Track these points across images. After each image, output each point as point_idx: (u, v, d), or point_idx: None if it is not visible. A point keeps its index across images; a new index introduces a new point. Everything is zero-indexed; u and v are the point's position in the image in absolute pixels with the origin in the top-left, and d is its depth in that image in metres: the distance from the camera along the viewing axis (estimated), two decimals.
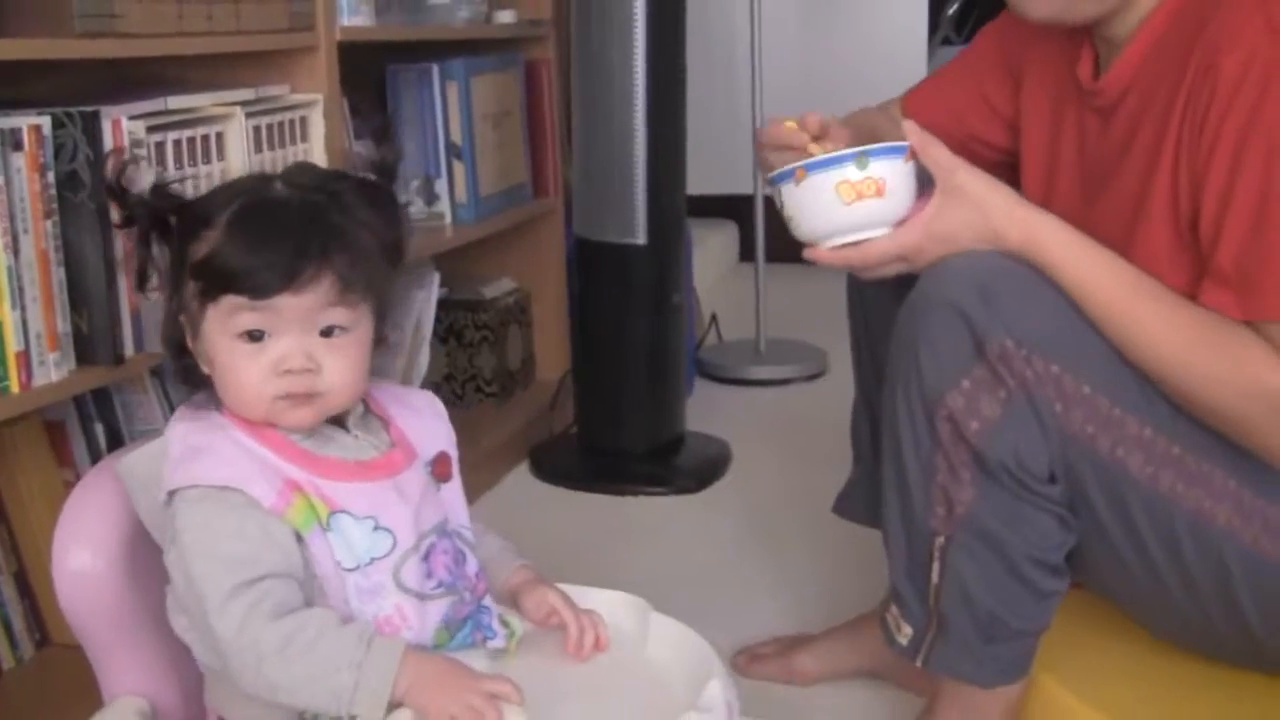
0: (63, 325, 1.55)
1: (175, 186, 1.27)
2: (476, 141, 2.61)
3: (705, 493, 2.52)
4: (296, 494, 1.19)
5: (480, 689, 1.15)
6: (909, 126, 1.33)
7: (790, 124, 1.43)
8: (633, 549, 2.23)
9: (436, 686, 1.15)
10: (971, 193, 1.33)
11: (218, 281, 1.18)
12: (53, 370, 1.54)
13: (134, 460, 1.26)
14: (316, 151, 2.00)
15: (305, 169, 1.32)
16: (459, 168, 2.58)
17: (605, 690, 1.29)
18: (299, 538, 1.18)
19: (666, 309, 2.56)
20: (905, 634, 1.40)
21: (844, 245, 1.34)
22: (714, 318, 3.42)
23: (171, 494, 1.19)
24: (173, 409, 1.81)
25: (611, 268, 2.53)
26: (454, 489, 1.33)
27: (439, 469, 1.32)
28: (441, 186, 2.58)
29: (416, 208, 2.56)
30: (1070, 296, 1.31)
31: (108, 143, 1.57)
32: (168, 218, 1.24)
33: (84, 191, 1.55)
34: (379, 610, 1.20)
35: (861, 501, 1.78)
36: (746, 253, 4.14)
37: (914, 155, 1.33)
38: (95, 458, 1.74)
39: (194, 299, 1.20)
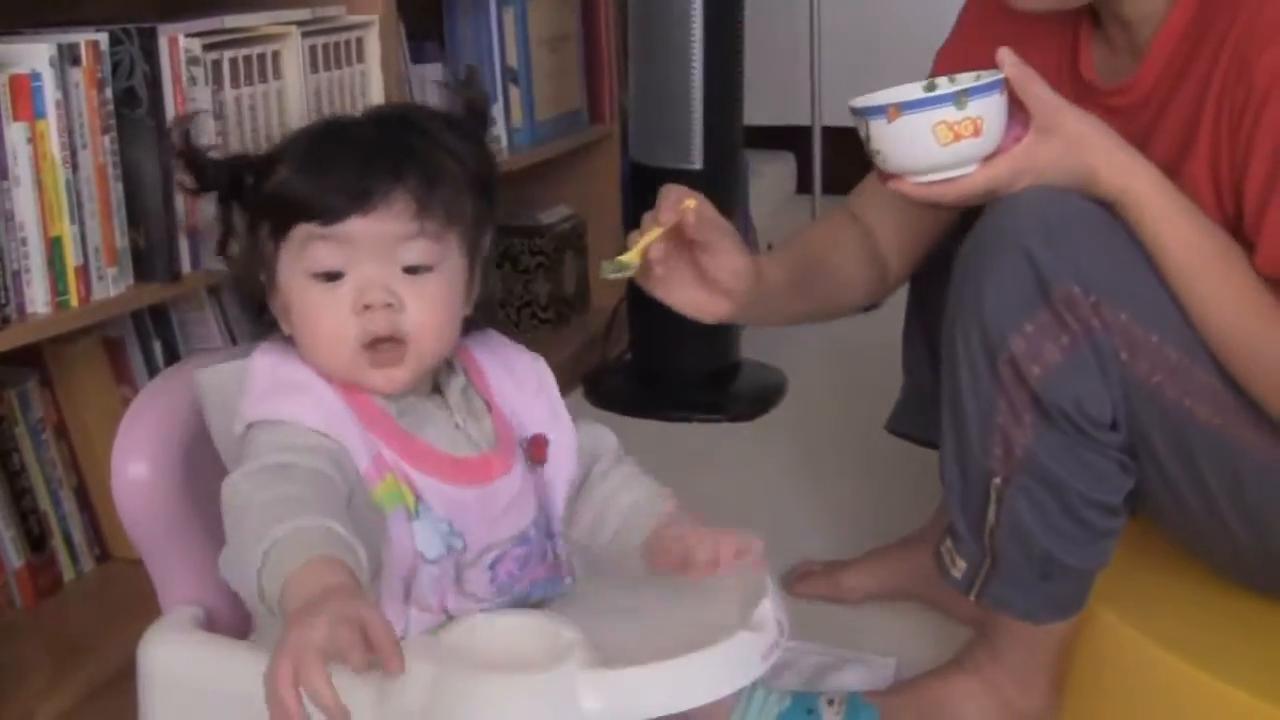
0: (120, 240, 1.56)
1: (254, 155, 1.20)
2: (533, 66, 2.60)
3: (760, 420, 2.52)
4: (388, 472, 1.13)
5: (347, 616, 0.91)
6: (1006, 57, 1.27)
7: (690, 203, 1.29)
8: (686, 475, 2.21)
9: (299, 619, 0.93)
10: (1072, 132, 1.28)
11: (285, 211, 1.12)
12: (111, 285, 1.55)
13: (214, 376, 1.22)
14: (373, 73, 1.99)
15: (387, 105, 1.27)
16: (515, 92, 2.57)
17: (656, 609, 1.29)
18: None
19: None
20: (959, 568, 1.39)
21: (932, 181, 1.30)
22: (770, 247, 3.39)
23: (249, 426, 1.13)
24: (230, 329, 1.84)
25: None
26: (556, 468, 1.25)
27: (534, 451, 1.24)
28: (497, 111, 2.56)
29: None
30: (1149, 248, 1.28)
31: (164, 60, 1.57)
32: (244, 177, 1.18)
33: (141, 108, 1.55)
34: (445, 602, 1.17)
35: (912, 417, 1.77)
36: (803, 184, 4.11)
37: (1008, 87, 1.28)
38: (153, 375, 1.75)
39: (267, 242, 1.14)
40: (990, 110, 1.26)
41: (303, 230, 1.12)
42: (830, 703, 1.37)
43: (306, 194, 1.11)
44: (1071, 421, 1.28)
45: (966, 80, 1.28)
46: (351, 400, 1.14)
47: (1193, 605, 1.43)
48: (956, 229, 1.54)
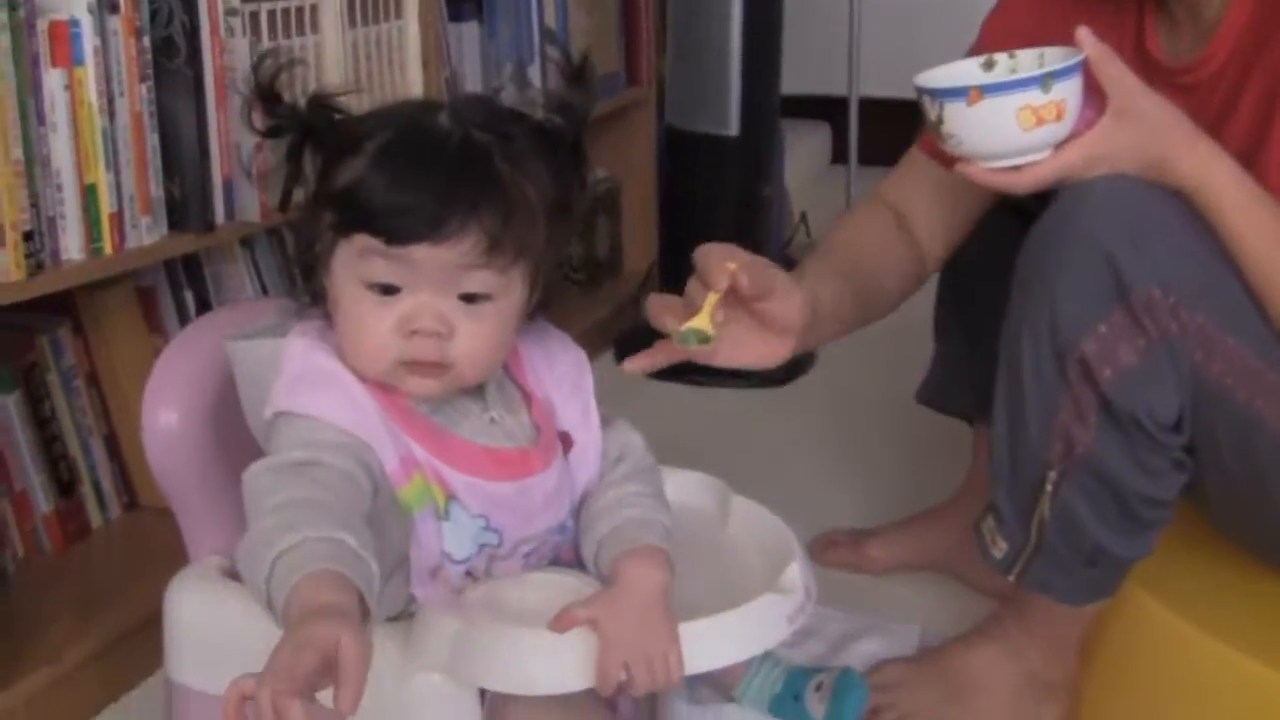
0: (155, 190, 1.56)
1: (339, 100, 1.15)
2: (570, 27, 2.59)
3: (790, 386, 2.51)
4: (416, 472, 1.11)
5: (312, 648, 0.88)
6: (1086, 36, 1.22)
7: (731, 266, 1.23)
8: (714, 439, 2.23)
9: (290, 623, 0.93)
10: (1151, 119, 1.24)
11: (352, 216, 1.08)
12: (144, 234, 1.55)
13: (247, 351, 1.21)
14: (410, 29, 1.99)
15: (480, 103, 1.21)
16: (552, 54, 2.55)
17: (684, 569, 1.29)
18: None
19: (756, 202, 2.53)
20: (1000, 548, 1.37)
21: (1005, 168, 1.24)
22: (803, 216, 3.38)
23: (278, 414, 1.11)
24: (263, 281, 1.84)
25: (702, 159, 2.50)
26: (578, 466, 1.23)
27: (565, 441, 1.23)
28: (534, 72, 2.56)
29: (508, 93, 2.54)
30: (1225, 242, 1.24)
31: (203, 10, 1.57)
32: (320, 132, 1.13)
33: (179, 58, 1.55)
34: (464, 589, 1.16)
35: (942, 388, 1.76)
36: (839, 155, 4.09)
37: (1088, 68, 1.23)
38: (185, 325, 1.75)
39: (327, 229, 1.10)
40: (1072, 93, 1.21)
41: (366, 240, 1.07)
42: (818, 687, 1.34)
43: (376, 209, 1.06)
44: (1139, 426, 1.25)
45: (1052, 60, 1.23)
46: (383, 397, 1.12)
47: (1228, 586, 1.41)
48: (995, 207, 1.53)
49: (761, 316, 1.28)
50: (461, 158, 1.09)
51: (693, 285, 1.26)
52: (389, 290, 1.09)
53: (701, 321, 1.23)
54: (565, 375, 1.24)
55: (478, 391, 1.18)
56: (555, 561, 1.22)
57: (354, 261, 1.09)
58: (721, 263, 1.23)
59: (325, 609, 0.91)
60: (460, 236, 1.07)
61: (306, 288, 1.16)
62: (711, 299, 1.23)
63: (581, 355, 1.27)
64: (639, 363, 1.28)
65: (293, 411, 1.09)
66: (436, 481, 1.12)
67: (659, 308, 1.29)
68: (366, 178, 1.08)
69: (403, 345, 1.09)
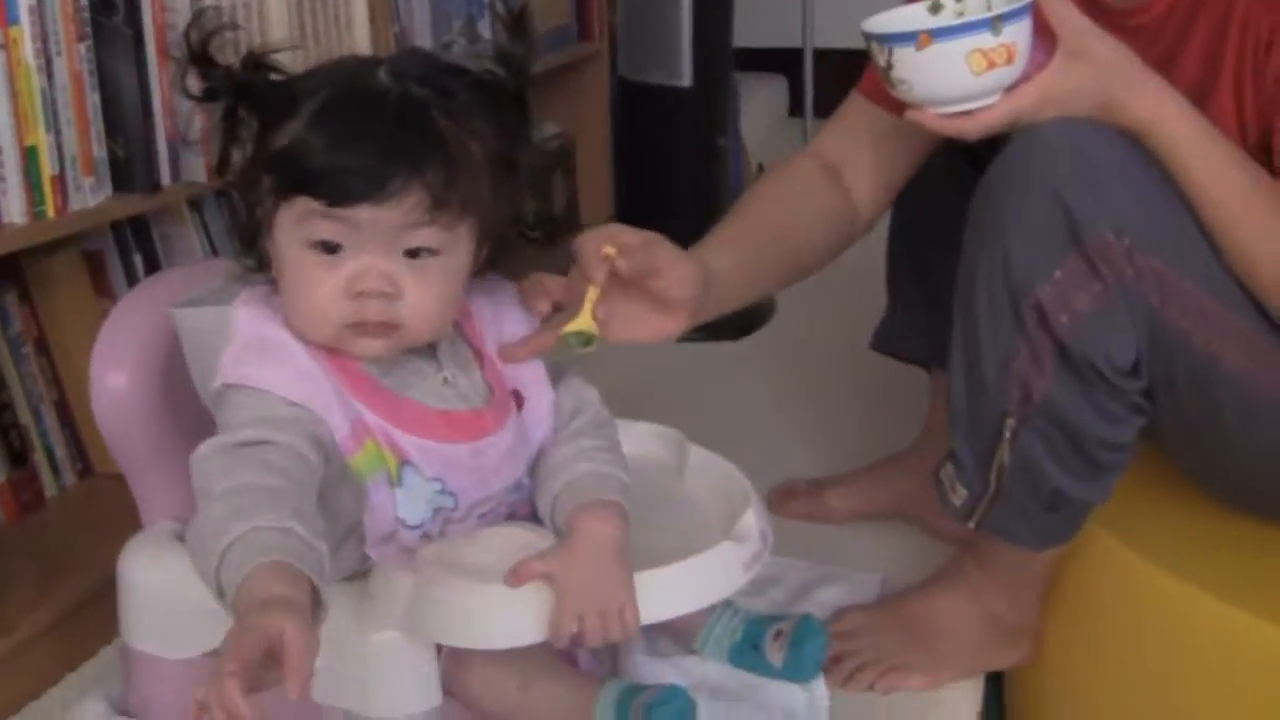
0: (98, 151, 1.53)
1: (275, 59, 1.13)
2: None
3: (746, 341, 2.51)
4: (368, 438, 1.11)
5: (258, 635, 0.90)
6: None
7: (608, 250, 1.22)
8: (671, 393, 2.22)
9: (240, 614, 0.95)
10: (1102, 59, 1.23)
11: (291, 179, 1.06)
12: (89, 195, 1.53)
13: (193, 320, 1.20)
14: None
15: (417, 56, 1.19)
16: (501, 7, 2.53)
17: (641, 520, 1.28)
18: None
19: (712, 153, 2.53)
20: (959, 495, 1.37)
21: (956, 113, 1.23)
22: (760, 168, 3.37)
23: (227, 386, 1.10)
24: (212, 242, 1.82)
25: (656, 111, 2.49)
26: (536, 408, 1.23)
27: (516, 400, 1.22)
28: (483, 28, 2.53)
29: (459, 47, 2.52)
30: (1178, 182, 1.24)
31: None
32: (255, 94, 1.10)
33: (118, 15, 1.53)
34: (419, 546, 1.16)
35: (897, 335, 1.76)
36: (796, 108, 4.08)
37: (1037, 10, 1.22)
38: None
39: (268, 194, 1.09)
40: (1022, 35, 1.20)
41: (307, 203, 1.06)
42: (776, 635, 1.33)
43: (316, 171, 1.05)
44: (1096, 371, 1.24)
45: (1000, 3, 1.22)
46: (331, 361, 1.11)
47: (1189, 526, 1.42)
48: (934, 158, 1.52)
49: (650, 293, 1.26)
50: (400, 115, 1.07)
51: (574, 275, 1.25)
52: (331, 249, 1.07)
53: (583, 323, 1.21)
54: (516, 332, 1.23)
55: (429, 351, 1.17)
56: (511, 518, 1.22)
57: (295, 224, 1.08)
58: (598, 251, 1.21)
59: (273, 601, 0.92)
60: (403, 195, 1.05)
61: (251, 253, 1.15)
62: (591, 294, 1.21)
63: (532, 319, 1.25)
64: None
65: (241, 384, 1.09)
66: (389, 447, 1.11)
67: (533, 290, 1.26)
68: (305, 139, 1.06)
69: (349, 307, 1.08)
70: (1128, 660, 1.40)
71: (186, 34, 1.12)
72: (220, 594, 0.97)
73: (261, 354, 1.10)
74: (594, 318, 1.21)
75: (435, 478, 1.13)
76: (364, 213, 1.05)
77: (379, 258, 1.08)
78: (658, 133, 2.50)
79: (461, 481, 1.15)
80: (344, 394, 1.10)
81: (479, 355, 1.21)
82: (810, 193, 1.49)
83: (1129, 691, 1.40)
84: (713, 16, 2.46)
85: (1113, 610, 1.43)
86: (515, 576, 1.08)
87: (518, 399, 1.22)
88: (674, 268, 1.25)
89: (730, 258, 1.36)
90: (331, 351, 1.11)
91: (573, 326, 1.21)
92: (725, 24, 2.52)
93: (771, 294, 1.45)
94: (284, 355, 1.10)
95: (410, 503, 1.13)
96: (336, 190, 1.05)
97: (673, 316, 1.28)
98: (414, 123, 1.07)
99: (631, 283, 1.24)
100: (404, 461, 1.12)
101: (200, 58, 1.11)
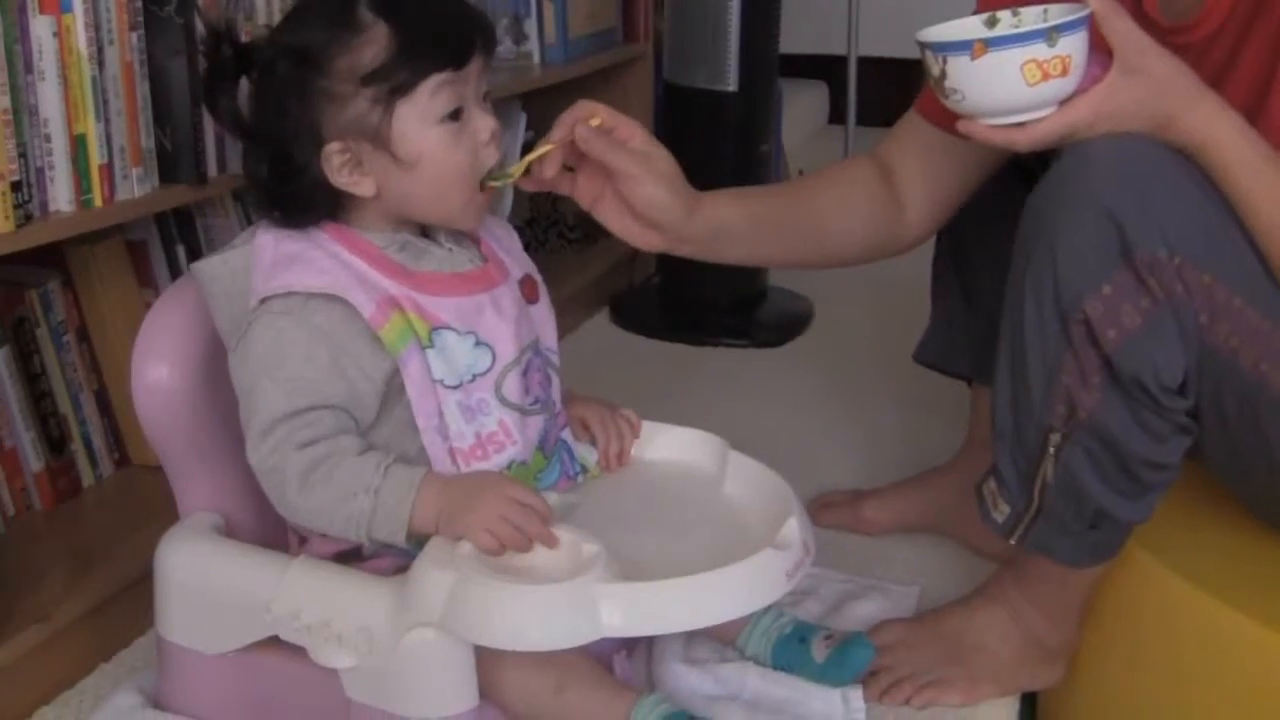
0: (146, 140, 1.53)
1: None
2: None
3: (786, 347, 2.50)
4: (395, 310, 1.18)
5: (510, 496, 1.15)
6: None
7: (595, 121, 1.29)
8: (711, 399, 2.22)
9: (465, 509, 1.14)
10: (1156, 74, 1.21)
11: (419, 67, 1.16)
12: (135, 185, 1.53)
13: (215, 266, 1.25)
14: None
15: None
16: (549, 7, 2.53)
17: (682, 526, 1.28)
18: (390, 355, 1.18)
19: (754, 158, 2.51)
20: (1001, 511, 1.35)
21: (1009, 124, 1.22)
22: (800, 173, 3.36)
23: (262, 301, 1.18)
24: None
25: (701, 115, 2.48)
26: (543, 310, 1.33)
27: (527, 290, 1.30)
28: (530, 26, 2.53)
29: (504, 47, 2.51)
30: (1233, 201, 1.22)
31: None
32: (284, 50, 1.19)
33: (170, 6, 1.52)
34: (482, 428, 1.21)
35: (940, 348, 1.75)
36: (836, 114, 4.07)
37: (1093, 24, 1.20)
38: (176, 279, 1.73)
39: (375, 106, 1.17)
40: (1077, 47, 1.18)
41: (435, 80, 1.17)
42: (827, 638, 1.35)
43: (439, 43, 1.17)
44: (1143, 388, 1.23)
45: (1056, 14, 1.20)
46: (357, 249, 1.21)
47: (1231, 548, 1.40)
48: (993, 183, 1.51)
49: (622, 198, 1.32)
50: None
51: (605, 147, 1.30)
52: (455, 116, 1.19)
53: (516, 166, 1.28)
54: (501, 235, 1.34)
55: (431, 238, 1.26)
56: (544, 387, 1.29)
57: (424, 107, 1.18)
58: (584, 115, 1.29)
59: (478, 485, 1.16)
60: (486, 33, 1.21)
61: (284, 197, 1.22)
62: (542, 149, 1.28)
63: (509, 225, 1.39)
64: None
65: (277, 291, 1.18)
66: (415, 312, 1.19)
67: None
68: (407, 30, 1.16)
69: (482, 156, 1.22)
70: (1167, 684, 1.38)
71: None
72: (371, 531, 1.15)
73: (288, 264, 1.19)
74: (530, 168, 1.29)
75: (469, 331, 1.21)
76: (474, 65, 1.19)
77: (480, 104, 1.22)
78: (701, 136, 2.49)
79: (492, 331, 1.23)
80: (368, 274, 1.19)
81: (474, 239, 1.30)
82: (860, 182, 1.51)
83: (1167, 717, 1.39)
84: (760, 22, 2.44)
85: (1152, 632, 1.41)
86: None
87: (531, 283, 1.32)
88: (645, 188, 1.31)
89: (742, 210, 1.42)
90: (353, 241, 1.21)
91: (507, 168, 1.28)
92: (772, 30, 2.50)
93: (791, 264, 1.49)
94: (304, 259, 1.19)
95: (444, 363, 1.19)
96: (459, 49, 1.18)
97: (646, 232, 1.35)
98: None
99: (610, 176, 1.31)
100: (435, 326, 1.19)
101: (225, 35, 1.21)
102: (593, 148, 1.28)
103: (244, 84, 1.23)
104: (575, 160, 1.32)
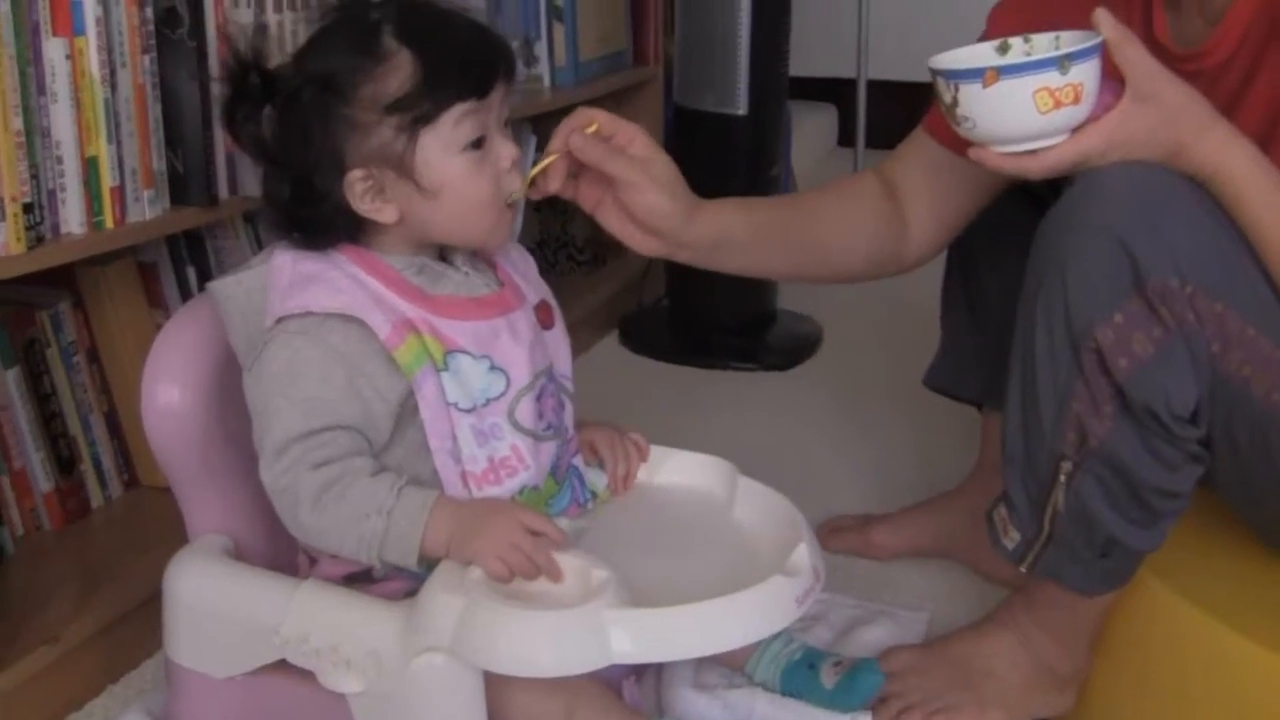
0: (158, 163, 1.54)
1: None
2: (578, 4, 2.57)
3: (795, 370, 2.49)
4: (411, 333, 1.18)
5: (522, 524, 1.15)
6: (1104, 19, 1.19)
7: (591, 129, 1.30)
8: (719, 422, 2.21)
9: (474, 533, 1.14)
10: (1168, 102, 1.21)
11: (443, 96, 1.17)
12: (147, 207, 1.53)
13: (231, 286, 1.25)
14: None
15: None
16: (559, 30, 2.53)
17: (691, 551, 1.28)
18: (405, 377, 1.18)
19: (764, 182, 2.51)
20: (1012, 538, 1.35)
21: (1020, 152, 1.22)
22: None
23: (278, 320, 1.19)
24: None
25: (710, 138, 2.48)
26: (558, 336, 1.32)
27: (542, 315, 1.30)
28: (541, 49, 2.54)
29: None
30: (1245, 230, 1.22)
31: None
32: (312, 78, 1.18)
33: (182, 29, 1.53)
34: (495, 452, 1.21)
35: (950, 373, 1.74)
36: (845, 138, 4.07)
37: (1106, 52, 1.20)
38: (186, 300, 1.74)
39: (399, 135, 1.17)
40: (1090, 75, 1.18)
41: (458, 109, 1.17)
42: (836, 664, 1.35)
43: (461, 73, 1.17)
44: (1155, 417, 1.22)
45: (1069, 43, 1.20)
46: (375, 271, 1.21)
47: (1242, 575, 1.39)
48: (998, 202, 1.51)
49: (623, 205, 1.33)
50: (459, 11, 1.22)
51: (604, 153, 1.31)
52: (478, 144, 1.20)
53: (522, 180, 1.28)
54: (517, 259, 1.34)
55: (448, 262, 1.27)
56: (557, 413, 1.28)
57: (447, 136, 1.18)
58: (580, 125, 1.30)
59: (489, 511, 1.16)
60: (508, 61, 1.21)
61: (304, 221, 1.22)
62: (543, 161, 1.30)
63: (524, 249, 1.38)
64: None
65: (294, 311, 1.18)
66: (431, 334, 1.19)
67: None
68: (430, 61, 1.16)
69: (506, 183, 1.22)
70: (1178, 710, 1.38)
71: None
72: (382, 553, 1.15)
73: (305, 284, 1.19)
74: (534, 183, 1.30)
75: (483, 354, 1.21)
76: (496, 93, 1.19)
77: (501, 132, 1.22)
78: (711, 159, 2.49)
79: (507, 355, 1.23)
80: (385, 296, 1.19)
81: (491, 264, 1.30)
82: (864, 197, 1.51)
83: None
84: (770, 45, 2.45)
85: (1163, 658, 1.40)
86: None
87: (547, 309, 1.32)
88: (644, 195, 1.32)
89: (744, 219, 1.42)
90: (372, 263, 1.21)
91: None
92: (782, 53, 2.50)
93: (793, 276, 1.51)
94: (321, 279, 1.20)
95: (459, 386, 1.19)
96: (482, 78, 1.18)
97: (646, 238, 1.36)
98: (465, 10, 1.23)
99: (612, 182, 1.31)
100: (451, 350, 1.19)
101: (252, 65, 1.20)
102: (589, 156, 1.29)
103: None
104: (578, 166, 1.33)
